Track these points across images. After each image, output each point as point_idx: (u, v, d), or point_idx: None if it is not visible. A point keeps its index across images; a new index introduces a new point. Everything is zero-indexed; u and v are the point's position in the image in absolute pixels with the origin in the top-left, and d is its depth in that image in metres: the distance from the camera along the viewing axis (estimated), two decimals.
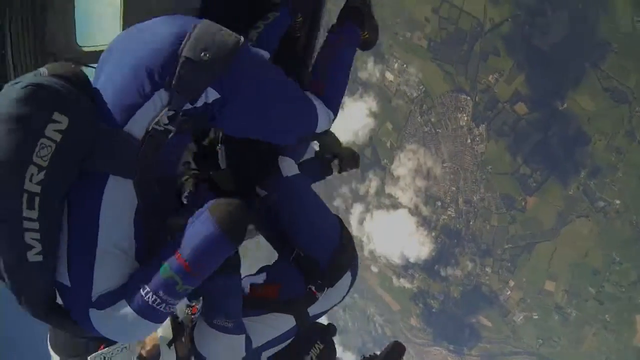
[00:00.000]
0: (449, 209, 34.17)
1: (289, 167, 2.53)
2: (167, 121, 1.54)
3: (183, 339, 2.06)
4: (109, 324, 1.48)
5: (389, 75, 35.26)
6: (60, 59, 2.88)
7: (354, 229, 40.08)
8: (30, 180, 1.22)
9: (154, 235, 1.63)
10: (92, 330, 1.50)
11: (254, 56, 1.84)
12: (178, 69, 1.49)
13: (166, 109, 1.52)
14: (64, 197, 1.39)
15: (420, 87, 33.93)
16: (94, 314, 1.46)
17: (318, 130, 2.33)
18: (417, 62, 33.49)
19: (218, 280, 1.79)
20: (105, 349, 1.74)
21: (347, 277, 2.43)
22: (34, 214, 1.25)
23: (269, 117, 1.96)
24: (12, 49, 2.87)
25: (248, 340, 2.04)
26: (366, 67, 36.25)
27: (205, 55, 1.52)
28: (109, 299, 1.46)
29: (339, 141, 3.01)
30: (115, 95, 1.47)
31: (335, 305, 2.51)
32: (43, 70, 1.35)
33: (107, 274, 1.47)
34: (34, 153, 1.20)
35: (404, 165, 35.94)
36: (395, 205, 37.54)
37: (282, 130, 2.15)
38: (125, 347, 1.82)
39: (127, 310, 1.45)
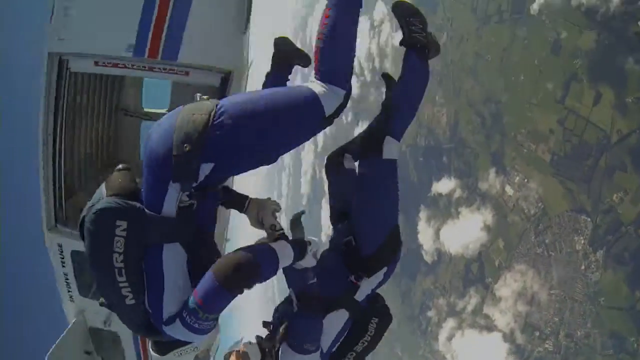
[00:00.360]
0: (547, 341, 28.36)
1: (391, 150, 2.69)
2: (187, 198, 2.13)
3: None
4: (175, 333, 2.19)
5: (509, 189, 33.36)
6: (128, 114, 7.57)
7: (441, 344, 36.92)
8: (116, 261, 2.02)
9: (201, 275, 2.11)
10: (168, 337, 2.26)
11: (231, 112, 2.09)
12: (173, 165, 1.99)
13: (181, 192, 2.10)
14: (140, 262, 2.14)
15: (539, 205, 30.99)
16: (165, 328, 2.19)
17: (328, 113, 2.32)
18: (539, 177, 31.08)
19: (305, 319, 2.39)
20: (180, 347, 2.64)
21: (383, 270, 2.67)
22: (123, 279, 2.07)
23: (267, 145, 2.26)
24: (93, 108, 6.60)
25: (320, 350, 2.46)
26: (487, 177, 35.25)
27: (186, 147, 1.95)
28: (172, 320, 2.15)
29: None
30: (147, 193, 2.13)
31: (377, 287, 2.76)
32: (104, 190, 2.09)
33: (171, 306, 2.17)
34: (113, 247, 2.00)
35: (508, 286, 31.79)
36: (490, 327, 32.91)
37: (288, 141, 2.39)
38: (196, 347, 2.81)
39: (180, 326, 2.11)
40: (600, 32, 25.81)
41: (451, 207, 39.66)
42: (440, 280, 40.17)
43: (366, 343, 2.64)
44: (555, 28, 28.57)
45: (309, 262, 2.45)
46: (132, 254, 2.07)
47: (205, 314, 2.04)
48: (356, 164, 2.97)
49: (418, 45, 2.90)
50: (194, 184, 2.11)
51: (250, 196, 2.70)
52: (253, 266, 2.05)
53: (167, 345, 2.62)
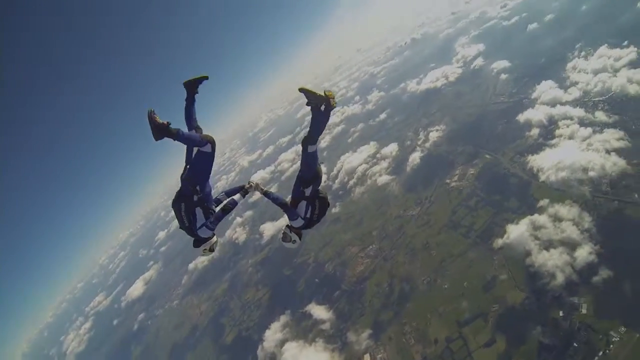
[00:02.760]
0: None
1: (311, 149, 6.44)
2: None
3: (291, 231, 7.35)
4: (202, 233, 6.71)
5: (367, 358, 32.90)
6: None
7: None
8: (182, 214, 6.51)
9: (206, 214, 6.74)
10: (199, 236, 6.80)
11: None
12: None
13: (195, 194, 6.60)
14: (189, 213, 6.55)
15: None
16: (198, 231, 6.69)
17: None
18: None
19: (292, 210, 7.03)
20: (203, 244, 6.88)
21: (312, 185, 6.98)
22: (184, 219, 6.52)
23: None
24: None
25: (299, 216, 7.10)
26: (360, 334, 34.93)
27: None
28: (200, 228, 6.65)
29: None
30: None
31: (312, 191, 6.98)
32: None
33: (199, 223, 6.60)
34: (182, 210, 6.52)
35: None
36: None
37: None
38: (209, 244, 6.95)
39: (204, 229, 6.67)
40: (529, 297, 28.03)
41: (311, 332, 38.48)
42: None
43: (317, 211, 7.01)
44: (498, 271, 30.98)
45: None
46: (187, 212, 6.52)
47: (212, 222, 6.66)
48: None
49: (314, 105, 6.15)
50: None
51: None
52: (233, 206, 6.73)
53: (198, 243, 6.83)
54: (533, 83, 49.47)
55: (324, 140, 79.24)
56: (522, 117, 44.34)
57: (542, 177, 35.13)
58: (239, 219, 71.86)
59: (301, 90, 6.18)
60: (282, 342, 39.60)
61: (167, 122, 5.68)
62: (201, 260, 68.76)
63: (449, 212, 39.58)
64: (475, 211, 37.51)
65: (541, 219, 31.67)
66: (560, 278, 27.08)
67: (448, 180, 43.31)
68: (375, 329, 34.61)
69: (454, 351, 28.96)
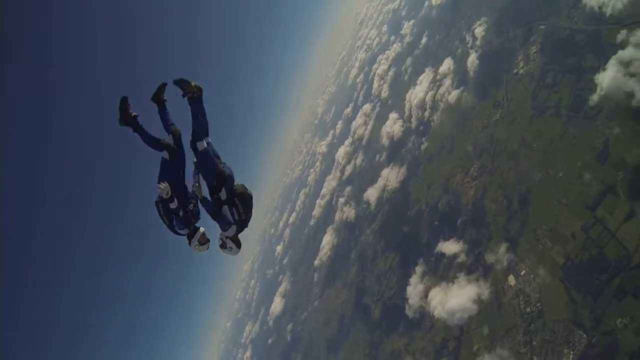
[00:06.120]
0: None
1: (202, 145, 6.26)
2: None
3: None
4: (180, 233, 6.93)
5: (512, 279, 31.62)
6: None
7: None
8: (161, 213, 6.69)
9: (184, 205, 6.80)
10: (181, 234, 6.97)
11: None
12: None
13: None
14: (170, 214, 6.70)
15: (537, 305, 29.25)
16: (177, 228, 6.76)
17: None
18: (546, 277, 29.25)
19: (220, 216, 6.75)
20: (190, 240, 6.98)
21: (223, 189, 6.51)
22: (165, 218, 6.74)
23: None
24: None
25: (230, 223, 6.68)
26: (497, 251, 33.42)
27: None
28: (176, 227, 6.88)
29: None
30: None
31: (227, 193, 6.58)
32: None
33: (176, 224, 6.78)
34: (160, 210, 6.71)
35: None
36: None
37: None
38: (200, 233, 6.99)
39: (177, 227, 6.83)
40: None
41: (450, 270, 37.98)
42: (414, 345, 38.60)
43: (241, 209, 6.54)
44: (606, 133, 27.68)
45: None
46: (164, 213, 6.66)
47: (177, 222, 6.75)
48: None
49: (188, 96, 6.13)
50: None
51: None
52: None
53: (189, 240, 6.83)
54: None
55: (383, 90, 77.19)
56: None
57: (608, 11, 30.00)
58: (341, 200, 72.81)
59: (175, 82, 5.97)
60: (426, 293, 39.57)
61: (136, 115, 6.11)
62: (324, 252, 70.81)
63: (531, 97, 36.06)
64: (556, 86, 33.63)
65: (627, 53, 27.26)
66: None
67: (515, 71, 39.37)
68: (509, 245, 32.90)
69: (594, 239, 26.57)
